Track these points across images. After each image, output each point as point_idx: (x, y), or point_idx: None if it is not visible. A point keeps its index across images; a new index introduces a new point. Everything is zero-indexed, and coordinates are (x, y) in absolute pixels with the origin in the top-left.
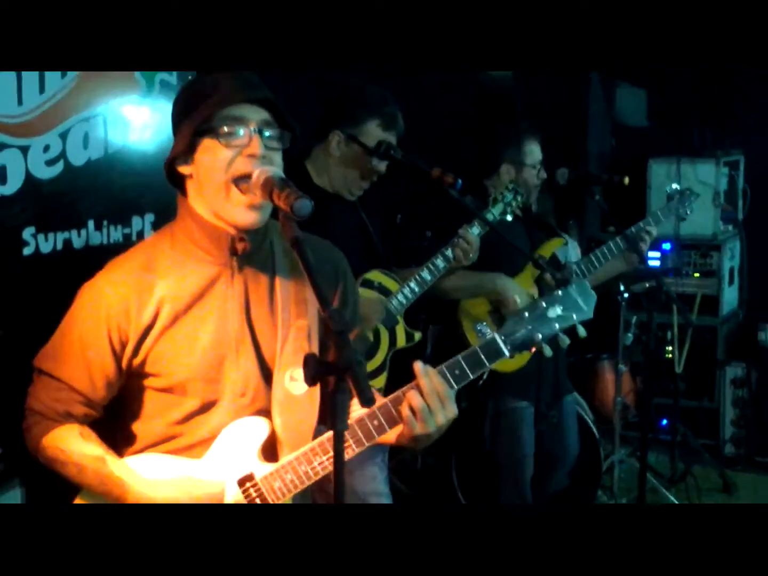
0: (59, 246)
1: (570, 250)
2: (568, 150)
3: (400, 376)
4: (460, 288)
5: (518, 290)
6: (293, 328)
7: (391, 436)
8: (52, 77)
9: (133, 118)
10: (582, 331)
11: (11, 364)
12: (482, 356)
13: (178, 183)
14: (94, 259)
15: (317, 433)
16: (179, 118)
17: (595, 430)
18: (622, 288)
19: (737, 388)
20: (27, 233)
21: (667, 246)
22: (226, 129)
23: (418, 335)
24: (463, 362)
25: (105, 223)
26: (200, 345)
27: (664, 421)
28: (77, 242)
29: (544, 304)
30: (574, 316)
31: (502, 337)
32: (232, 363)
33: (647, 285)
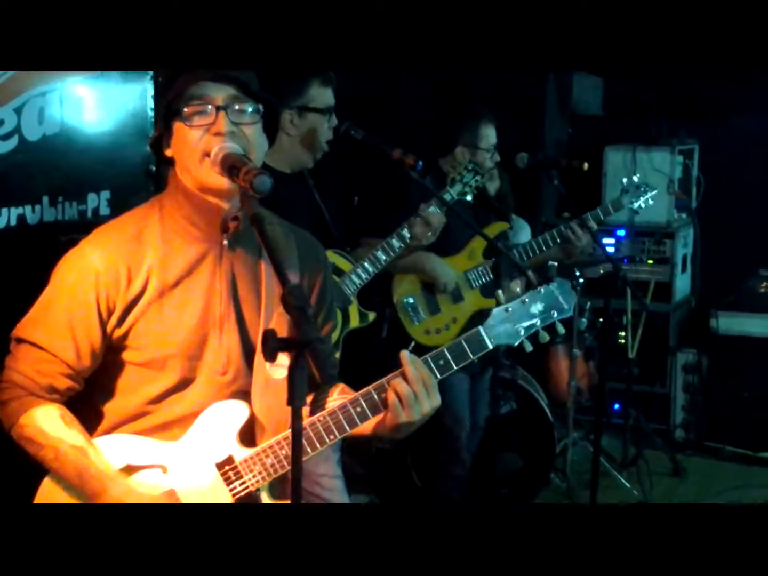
0: (13, 221)
1: (519, 232)
2: (526, 136)
3: (354, 356)
4: (397, 266)
5: (446, 272)
6: (276, 312)
7: (368, 426)
8: None
9: (90, 95)
10: (528, 345)
11: None
12: (467, 348)
13: (165, 160)
14: (48, 236)
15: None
16: (158, 101)
17: (549, 413)
18: (577, 273)
19: (688, 374)
20: None
21: (621, 233)
22: (189, 109)
23: (372, 315)
24: (447, 353)
25: (60, 199)
26: (185, 320)
27: (617, 406)
28: (31, 218)
29: (527, 300)
30: (555, 314)
31: (486, 330)
32: (215, 340)
33: (601, 271)
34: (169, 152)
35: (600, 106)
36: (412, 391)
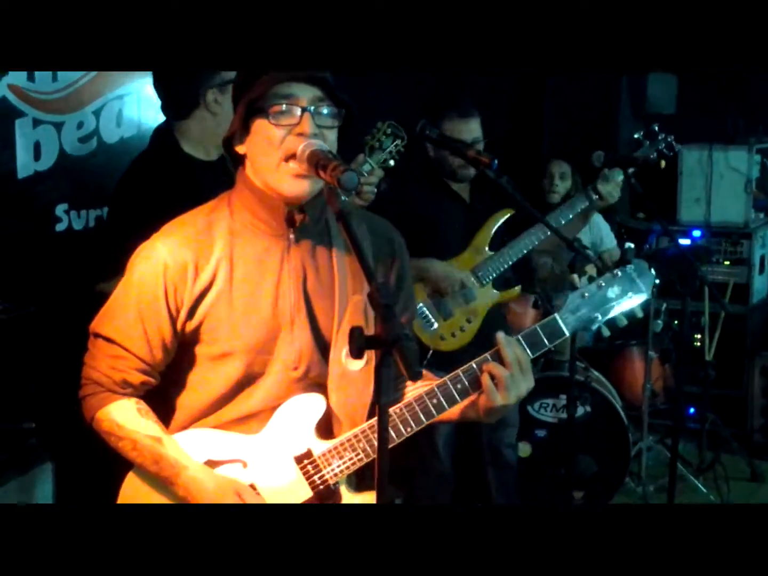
0: (91, 223)
1: (598, 230)
2: (600, 135)
3: None
4: None
5: (450, 273)
6: (350, 304)
7: (454, 411)
8: None
9: None
10: (605, 331)
11: (42, 339)
12: (542, 335)
13: (236, 158)
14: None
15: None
16: (235, 98)
17: (623, 416)
18: (653, 272)
19: (766, 377)
20: (60, 209)
21: (697, 233)
22: (276, 108)
23: None
24: (522, 340)
25: None
26: (256, 315)
27: (692, 409)
28: None
29: (603, 284)
30: (633, 297)
31: (563, 316)
32: (287, 335)
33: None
34: (242, 149)
35: (674, 104)
36: (509, 373)
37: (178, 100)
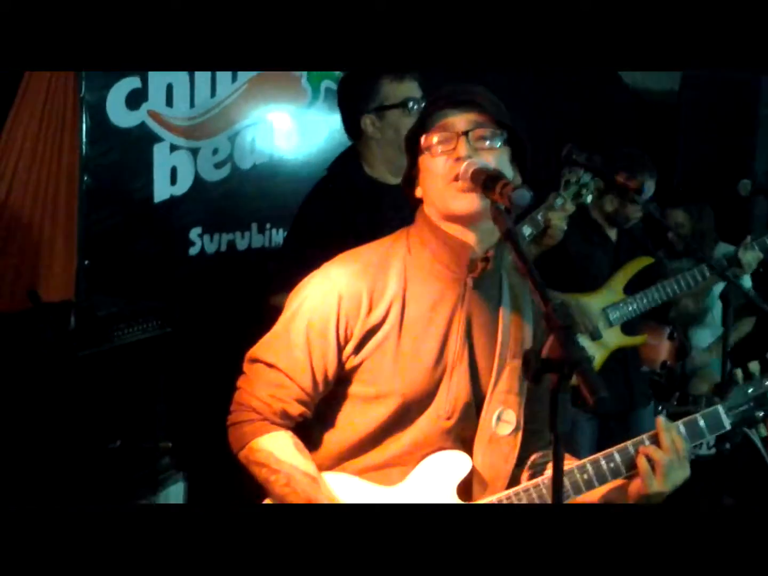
0: (223, 247)
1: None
2: (736, 161)
3: None
4: None
5: (585, 310)
6: (508, 367)
7: (598, 492)
8: (223, 81)
9: (298, 125)
10: (762, 431)
11: (180, 362)
12: (703, 426)
13: (416, 201)
14: (256, 262)
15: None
16: (407, 139)
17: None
18: None
19: None
20: (194, 233)
21: None
22: (431, 138)
23: None
24: (682, 427)
25: (268, 226)
26: (420, 360)
27: None
28: (240, 244)
29: (767, 384)
30: None
31: (725, 409)
32: (445, 383)
33: None
34: (418, 192)
35: None
36: (668, 458)
37: (346, 125)
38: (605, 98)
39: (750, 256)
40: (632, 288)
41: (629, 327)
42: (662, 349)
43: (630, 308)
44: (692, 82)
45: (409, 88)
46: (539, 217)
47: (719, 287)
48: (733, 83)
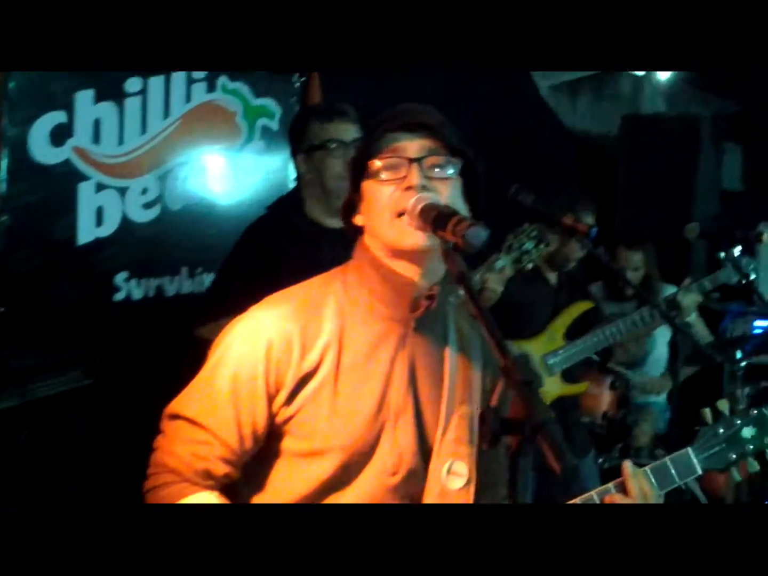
0: (151, 293)
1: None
2: (675, 211)
3: None
4: None
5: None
6: (457, 414)
7: None
8: (155, 117)
9: (232, 165)
10: (754, 465)
11: (102, 412)
12: (672, 470)
13: (354, 229)
14: (185, 308)
15: None
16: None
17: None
18: (738, 356)
19: None
20: (120, 278)
21: None
22: (379, 163)
23: None
24: (650, 473)
25: (199, 270)
26: (358, 410)
27: None
28: (169, 289)
29: (738, 423)
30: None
31: (695, 452)
32: (388, 435)
33: None
34: (359, 220)
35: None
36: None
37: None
38: (544, 140)
39: (689, 299)
40: (572, 333)
41: (569, 375)
42: (603, 399)
43: (571, 355)
44: (632, 125)
45: (337, 129)
46: (477, 277)
47: (662, 330)
48: (673, 126)
